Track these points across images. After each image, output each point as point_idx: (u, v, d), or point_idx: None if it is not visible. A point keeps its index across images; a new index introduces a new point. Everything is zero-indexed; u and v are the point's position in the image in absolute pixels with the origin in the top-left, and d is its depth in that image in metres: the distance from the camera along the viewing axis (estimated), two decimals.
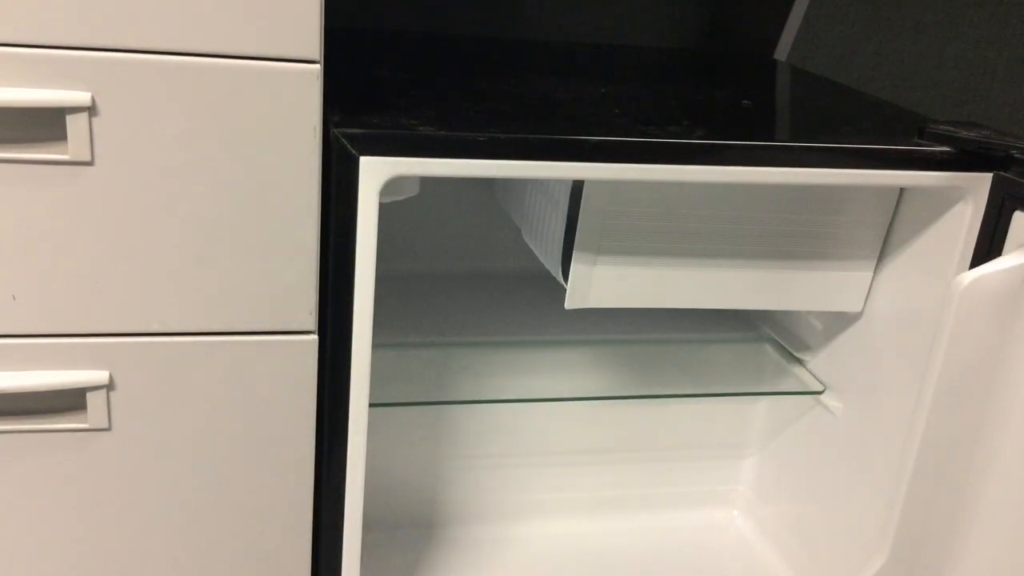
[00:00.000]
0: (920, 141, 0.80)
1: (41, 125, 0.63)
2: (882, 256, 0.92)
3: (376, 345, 0.74)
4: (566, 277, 0.86)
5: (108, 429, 0.72)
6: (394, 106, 0.77)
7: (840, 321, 0.98)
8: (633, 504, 1.15)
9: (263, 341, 0.72)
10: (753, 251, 0.90)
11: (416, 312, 1.06)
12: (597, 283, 0.87)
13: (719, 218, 0.88)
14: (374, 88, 0.85)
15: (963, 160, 0.79)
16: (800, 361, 1.04)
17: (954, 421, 0.80)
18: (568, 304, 0.87)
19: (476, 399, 0.98)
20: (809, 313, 1.03)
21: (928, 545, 0.84)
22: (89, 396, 0.70)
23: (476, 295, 1.12)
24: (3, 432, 0.70)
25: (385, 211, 0.70)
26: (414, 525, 1.09)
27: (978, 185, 0.80)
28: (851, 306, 0.94)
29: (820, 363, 1.02)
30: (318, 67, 0.65)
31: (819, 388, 1.00)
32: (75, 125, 0.63)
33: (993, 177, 0.79)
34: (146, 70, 0.63)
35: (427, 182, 0.77)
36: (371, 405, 0.76)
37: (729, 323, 1.14)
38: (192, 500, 0.76)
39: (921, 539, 0.84)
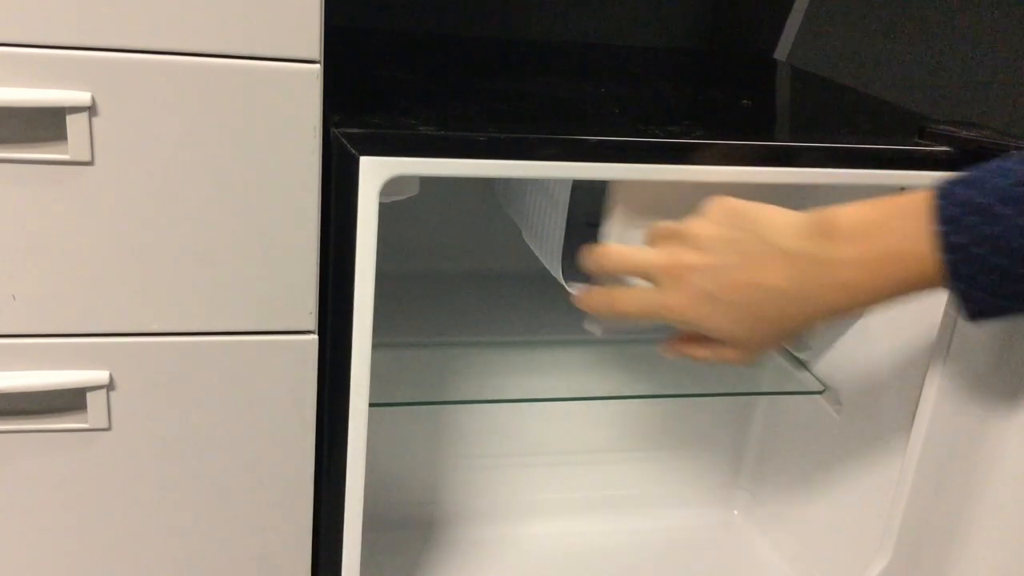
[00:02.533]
0: (920, 141, 0.80)
1: (41, 125, 0.63)
2: None
3: (376, 345, 0.74)
4: (566, 277, 0.86)
5: (108, 429, 0.72)
6: (394, 106, 0.77)
7: (840, 321, 0.98)
8: (633, 504, 1.15)
9: (263, 341, 0.72)
10: None
11: (416, 312, 1.06)
12: None
13: None
14: (374, 88, 0.85)
15: (963, 160, 0.79)
16: (800, 361, 1.04)
17: (956, 421, 0.80)
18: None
19: (476, 399, 0.98)
20: None
21: (931, 545, 0.84)
22: (89, 396, 0.70)
23: (476, 295, 1.12)
24: (3, 432, 0.70)
25: (385, 211, 0.70)
26: (414, 525, 1.09)
27: None
28: None
29: (820, 363, 1.02)
30: (318, 67, 0.65)
31: (819, 388, 1.00)
32: (75, 125, 0.63)
33: None
34: (146, 70, 0.63)
35: (427, 182, 0.77)
36: (371, 405, 0.76)
37: None
38: (192, 500, 0.76)
39: (924, 539, 0.84)
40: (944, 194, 0.49)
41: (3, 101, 0.61)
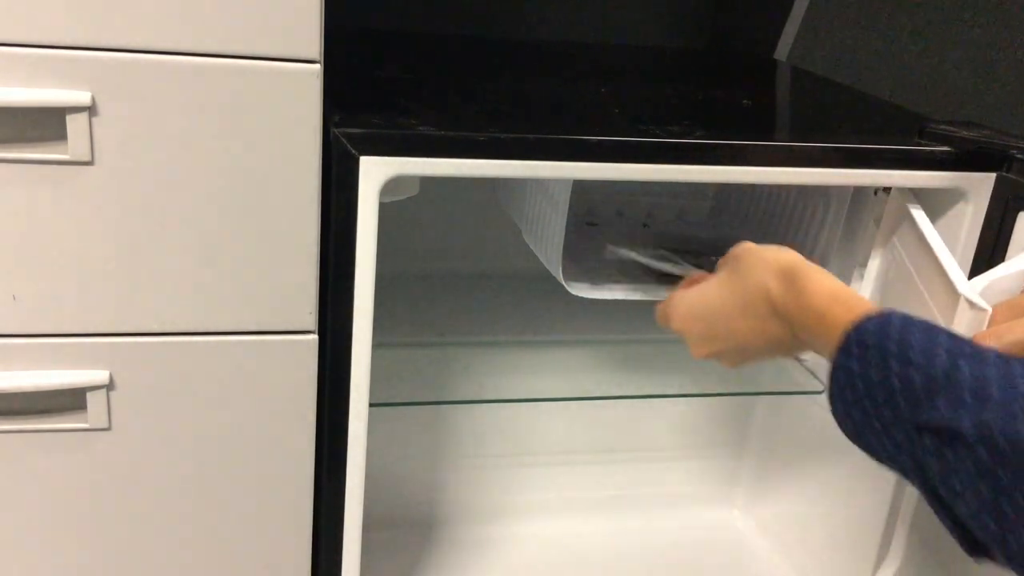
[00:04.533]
0: (920, 141, 0.80)
1: (41, 125, 0.63)
2: None
3: (376, 345, 0.74)
4: (566, 277, 0.86)
5: (108, 429, 0.72)
6: (394, 106, 0.77)
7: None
8: (632, 504, 1.15)
9: (263, 341, 0.72)
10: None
11: (416, 312, 1.06)
12: None
13: None
14: (374, 88, 0.85)
15: (963, 160, 0.79)
16: (799, 360, 1.04)
17: None
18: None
19: (476, 399, 0.98)
20: None
21: (941, 549, 0.84)
22: (89, 396, 0.70)
23: (476, 295, 1.12)
24: (3, 432, 0.70)
25: (385, 211, 0.70)
26: (414, 525, 1.09)
27: (979, 186, 0.80)
28: None
29: (820, 362, 1.02)
30: (318, 67, 0.65)
31: (819, 388, 1.00)
32: (75, 125, 0.63)
33: (997, 178, 0.79)
34: (146, 70, 0.63)
35: (427, 182, 0.77)
36: (371, 405, 0.76)
37: None
38: (192, 500, 0.76)
39: (933, 540, 0.83)
40: (857, 329, 0.56)
41: (3, 101, 0.61)
